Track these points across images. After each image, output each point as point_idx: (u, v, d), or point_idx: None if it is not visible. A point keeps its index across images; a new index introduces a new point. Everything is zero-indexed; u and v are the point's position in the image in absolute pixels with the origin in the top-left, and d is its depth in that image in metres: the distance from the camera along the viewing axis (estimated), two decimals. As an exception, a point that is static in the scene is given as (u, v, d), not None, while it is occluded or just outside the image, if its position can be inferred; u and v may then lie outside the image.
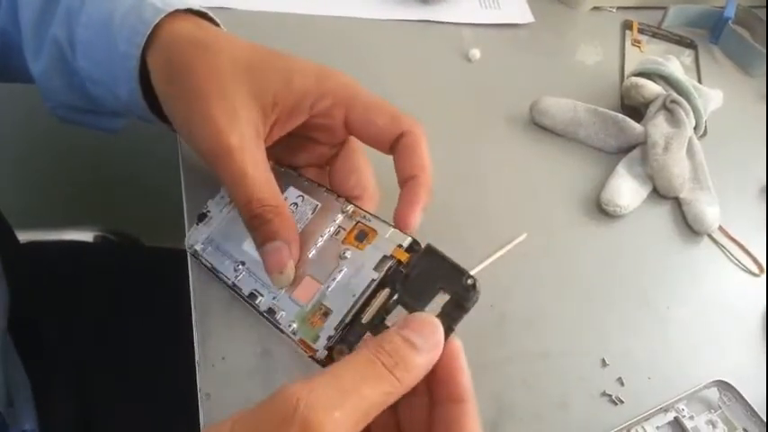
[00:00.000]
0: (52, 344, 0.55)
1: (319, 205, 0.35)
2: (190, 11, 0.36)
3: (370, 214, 0.33)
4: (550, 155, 0.51)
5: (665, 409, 0.38)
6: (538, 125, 0.53)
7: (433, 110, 0.51)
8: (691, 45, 0.67)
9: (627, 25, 0.67)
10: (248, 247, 0.35)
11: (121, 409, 0.54)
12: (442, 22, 0.60)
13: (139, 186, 0.91)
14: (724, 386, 0.39)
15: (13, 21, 0.39)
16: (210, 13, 0.38)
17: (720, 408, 0.39)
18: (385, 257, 0.31)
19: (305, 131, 0.37)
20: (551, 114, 0.52)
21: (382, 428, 0.27)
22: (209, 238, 0.36)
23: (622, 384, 0.39)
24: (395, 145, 0.35)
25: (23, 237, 0.61)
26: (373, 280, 0.31)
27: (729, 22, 0.66)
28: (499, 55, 0.59)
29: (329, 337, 0.30)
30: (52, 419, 0.51)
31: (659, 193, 0.50)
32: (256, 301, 0.33)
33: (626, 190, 0.48)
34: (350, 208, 0.34)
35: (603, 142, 0.52)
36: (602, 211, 0.48)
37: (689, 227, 0.49)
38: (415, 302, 0.29)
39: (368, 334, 0.29)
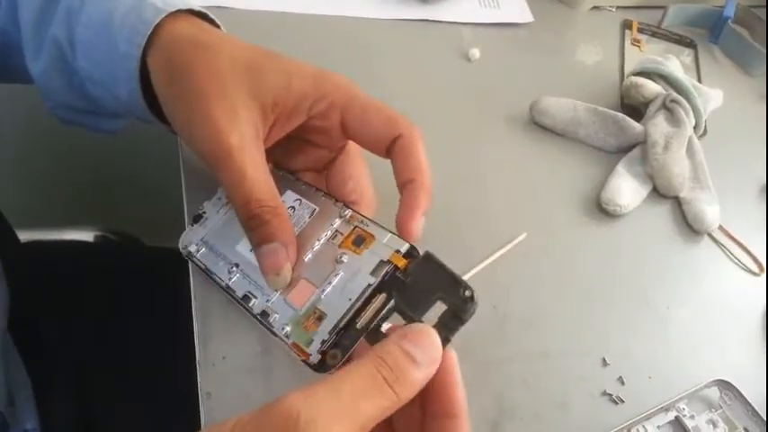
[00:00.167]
0: (52, 344, 0.55)
1: (317, 209, 0.35)
2: (190, 11, 0.36)
3: (368, 219, 0.33)
4: (550, 155, 0.51)
5: (666, 409, 0.38)
6: (538, 125, 0.53)
7: (433, 109, 0.51)
8: (690, 44, 0.67)
9: (626, 25, 0.67)
10: (242, 248, 0.34)
11: (122, 408, 0.54)
12: (442, 22, 0.60)
13: (140, 186, 0.91)
14: (724, 385, 0.39)
15: (12, 20, 0.39)
16: (211, 14, 0.38)
17: (721, 407, 0.39)
18: (382, 262, 0.31)
19: (303, 134, 0.36)
20: (551, 114, 0.52)
21: None
22: (204, 239, 0.36)
23: (623, 384, 0.39)
24: (391, 147, 0.34)
25: (24, 236, 0.61)
26: (369, 285, 0.30)
27: (729, 21, 0.66)
28: (499, 55, 0.59)
29: (323, 342, 0.30)
30: (53, 419, 0.51)
31: (659, 193, 0.50)
32: (250, 304, 0.33)
33: (626, 189, 0.48)
34: (347, 212, 0.34)
35: (603, 142, 0.52)
36: (602, 210, 0.48)
37: (689, 226, 0.49)
38: (411, 311, 0.28)
39: (362, 339, 0.29)
